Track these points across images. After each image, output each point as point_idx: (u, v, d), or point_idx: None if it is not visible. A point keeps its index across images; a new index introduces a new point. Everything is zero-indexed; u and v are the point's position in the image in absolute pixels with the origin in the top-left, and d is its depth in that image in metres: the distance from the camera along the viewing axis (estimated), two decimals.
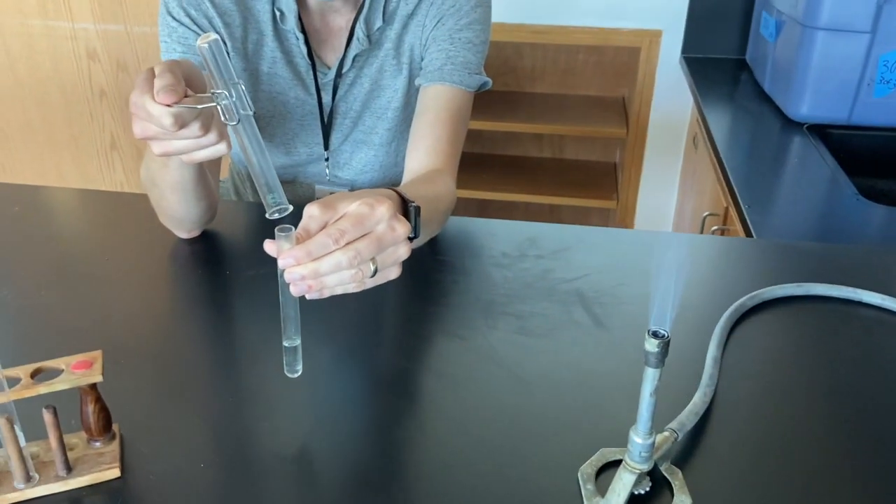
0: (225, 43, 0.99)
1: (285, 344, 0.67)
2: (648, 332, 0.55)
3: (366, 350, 0.79)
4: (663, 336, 0.54)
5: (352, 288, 0.64)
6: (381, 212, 0.62)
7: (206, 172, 0.89)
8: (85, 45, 2.34)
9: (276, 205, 0.66)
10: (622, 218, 2.31)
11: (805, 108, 1.57)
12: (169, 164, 0.83)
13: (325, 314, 0.82)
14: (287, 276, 0.62)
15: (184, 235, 0.97)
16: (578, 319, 0.82)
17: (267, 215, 0.66)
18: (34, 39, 2.36)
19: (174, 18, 0.99)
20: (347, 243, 0.61)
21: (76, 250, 0.97)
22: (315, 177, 1.12)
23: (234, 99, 0.62)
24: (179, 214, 0.92)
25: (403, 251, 0.65)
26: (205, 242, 0.97)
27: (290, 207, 0.66)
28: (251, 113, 0.63)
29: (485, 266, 0.92)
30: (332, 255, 0.61)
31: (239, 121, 0.63)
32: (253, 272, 0.90)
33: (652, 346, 0.54)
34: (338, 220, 0.62)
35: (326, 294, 0.63)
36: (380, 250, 0.63)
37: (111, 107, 2.43)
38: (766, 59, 1.76)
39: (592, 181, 2.36)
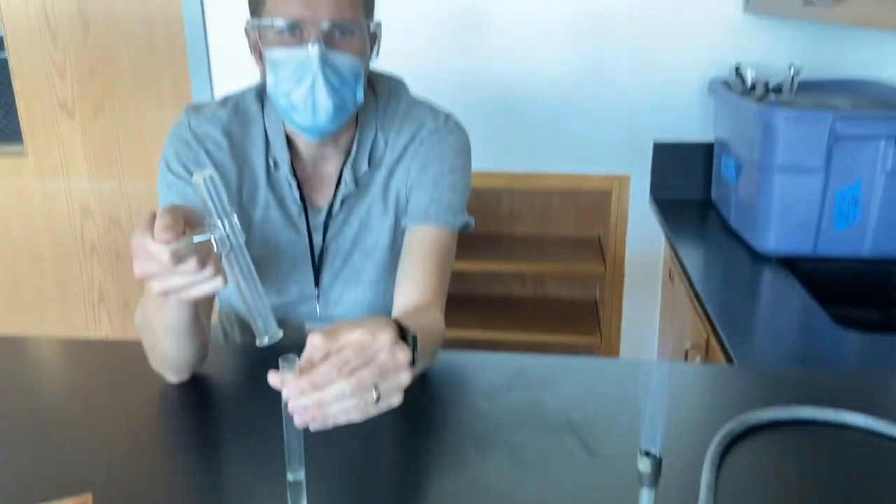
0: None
1: (290, 478, 0.66)
2: (640, 451, 0.56)
3: (360, 487, 0.78)
4: (655, 455, 0.56)
5: (355, 417, 0.64)
6: (383, 340, 0.65)
7: (199, 314, 0.91)
8: (79, 203, 2.42)
9: (267, 332, 0.68)
10: (606, 353, 2.33)
11: (771, 242, 1.64)
12: (165, 307, 0.85)
13: (317, 453, 0.81)
14: (291, 407, 0.63)
15: (174, 380, 0.97)
16: (570, 448, 0.82)
17: (257, 343, 0.68)
18: (29, 199, 2.44)
19: (172, 173, 1.05)
20: (350, 372, 0.63)
21: (65, 397, 0.97)
22: (305, 315, 1.15)
23: (227, 230, 0.66)
24: (172, 356, 0.93)
25: (405, 378, 0.66)
26: (193, 385, 0.98)
27: (280, 334, 0.69)
28: (243, 242, 0.67)
29: (474, 398, 0.93)
30: (335, 385, 0.62)
31: (231, 249, 0.67)
32: (241, 413, 0.91)
33: (645, 465, 0.56)
34: (340, 349, 0.64)
35: (330, 424, 0.64)
36: (382, 378, 0.64)
37: (101, 261, 2.48)
38: (729, 199, 1.86)
39: (575, 318, 2.40)
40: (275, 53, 0.97)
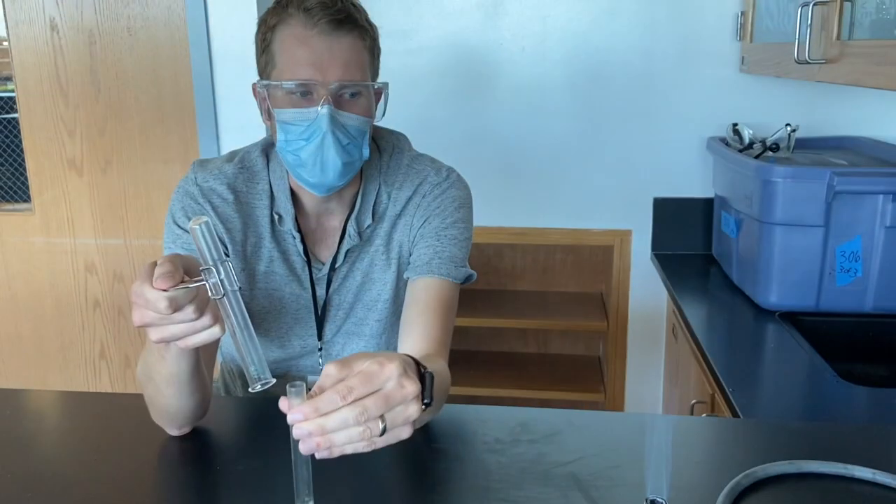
0: (223, 241, 1.06)
1: None
2: (647, 501, 0.55)
3: None
4: None
5: (361, 447, 0.64)
6: (391, 370, 0.64)
7: (201, 366, 0.91)
8: (84, 259, 2.44)
9: (259, 378, 0.69)
10: (611, 410, 2.30)
11: (773, 297, 1.64)
12: (166, 357, 0.85)
13: None
14: (295, 433, 0.63)
15: (175, 433, 0.96)
16: (575, 503, 0.81)
17: (250, 388, 0.68)
18: (34, 256, 2.46)
19: (179, 226, 1.06)
20: (356, 400, 0.62)
21: (63, 450, 0.96)
22: (308, 369, 1.14)
23: (221, 276, 0.67)
24: (173, 409, 0.92)
25: (413, 410, 0.66)
26: (194, 439, 0.97)
27: (273, 380, 0.69)
28: (237, 289, 0.68)
29: (478, 452, 0.92)
30: (339, 412, 0.62)
31: (225, 294, 0.68)
32: (242, 466, 0.90)
33: None
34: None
35: (336, 453, 0.63)
36: (388, 408, 0.64)
37: (103, 316, 2.48)
38: (731, 254, 1.87)
39: (579, 375, 2.39)
40: (285, 114, 0.99)
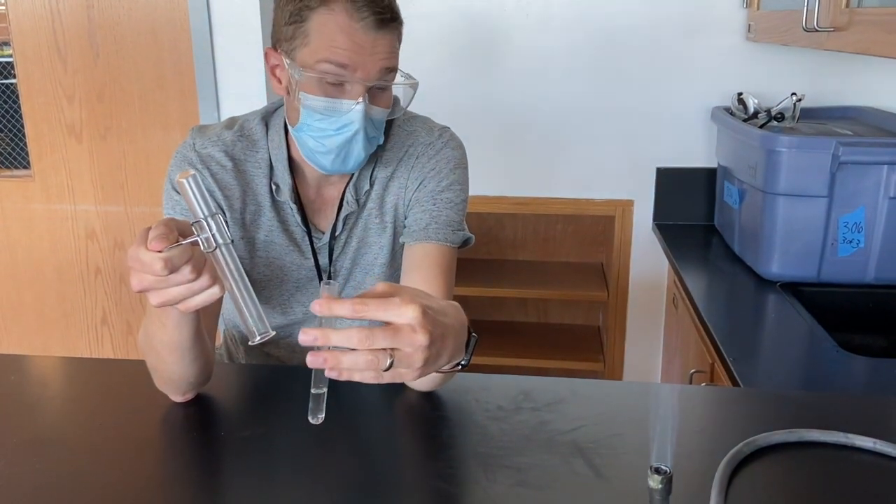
0: (221, 207, 1.06)
1: (313, 391, 0.68)
2: (651, 468, 0.56)
3: None
4: (666, 472, 0.55)
5: (369, 377, 0.64)
6: (409, 310, 0.64)
7: (202, 332, 0.91)
8: (84, 226, 2.43)
9: (259, 331, 0.69)
10: (609, 379, 2.31)
11: (775, 267, 1.64)
12: (166, 324, 0.85)
13: (322, 472, 0.81)
14: (302, 337, 0.63)
15: (178, 399, 0.97)
16: (578, 470, 0.82)
17: (250, 342, 0.69)
18: (35, 222, 2.45)
19: (177, 192, 1.05)
20: (364, 319, 0.63)
21: (68, 416, 0.97)
22: None
23: (213, 230, 0.67)
24: (176, 375, 0.93)
25: (418, 359, 0.66)
26: (198, 405, 0.97)
27: (272, 332, 0.69)
28: (230, 242, 0.68)
29: (481, 419, 0.92)
30: (347, 330, 0.63)
31: (217, 248, 0.68)
32: (247, 433, 0.90)
33: (655, 482, 0.55)
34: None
35: (345, 376, 0.64)
36: (394, 343, 0.64)
37: (105, 283, 2.48)
38: (733, 224, 1.87)
39: (578, 344, 2.40)
40: (316, 101, 0.97)
